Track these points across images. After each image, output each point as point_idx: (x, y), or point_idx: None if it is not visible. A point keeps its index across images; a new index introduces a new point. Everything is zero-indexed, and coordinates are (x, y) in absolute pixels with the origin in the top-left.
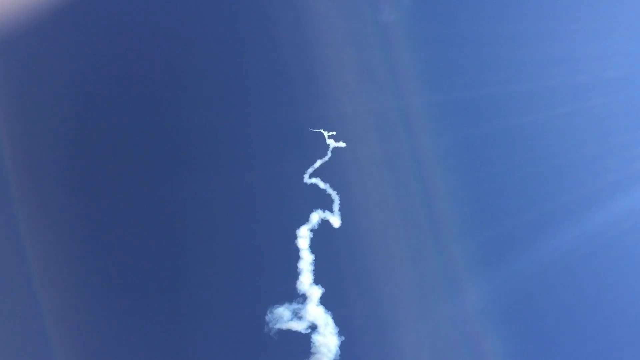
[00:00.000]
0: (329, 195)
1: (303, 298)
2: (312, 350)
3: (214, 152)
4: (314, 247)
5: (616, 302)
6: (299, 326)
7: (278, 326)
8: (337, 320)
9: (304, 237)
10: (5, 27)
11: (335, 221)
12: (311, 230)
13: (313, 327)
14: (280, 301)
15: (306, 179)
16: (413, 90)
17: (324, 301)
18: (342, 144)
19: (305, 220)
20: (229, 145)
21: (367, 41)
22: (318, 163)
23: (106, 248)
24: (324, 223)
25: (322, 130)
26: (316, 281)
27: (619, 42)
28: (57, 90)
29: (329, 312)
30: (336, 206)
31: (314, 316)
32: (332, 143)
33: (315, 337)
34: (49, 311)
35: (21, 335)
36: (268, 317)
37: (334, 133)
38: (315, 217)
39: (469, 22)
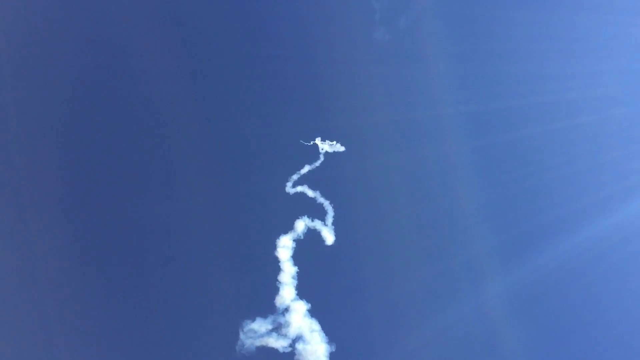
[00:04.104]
0: (321, 204)
1: (283, 313)
2: (295, 358)
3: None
4: (298, 258)
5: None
6: (278, 343)
7: (253, 342)
8: (326, 329)
9: (285, 247)
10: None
11: (329, 236)
12: (295, 240)
13: (296, 339)
14: (253, 316)
15: (289, 187)
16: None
17: (309, 314)
18: (340, 148)
19: (288, 228)
20: (205, 147)
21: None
22: (306, 169)
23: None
24: (312, 232)
25: (316, 141)
26: (300, 295)
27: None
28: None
29: (315, 319)
30: (330, 219)
31: (297, 328)
32: (326, 147)
33: (301, 347)
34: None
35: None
36: (241, 334)
37: (334, 142)
38: (301, 225)
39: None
